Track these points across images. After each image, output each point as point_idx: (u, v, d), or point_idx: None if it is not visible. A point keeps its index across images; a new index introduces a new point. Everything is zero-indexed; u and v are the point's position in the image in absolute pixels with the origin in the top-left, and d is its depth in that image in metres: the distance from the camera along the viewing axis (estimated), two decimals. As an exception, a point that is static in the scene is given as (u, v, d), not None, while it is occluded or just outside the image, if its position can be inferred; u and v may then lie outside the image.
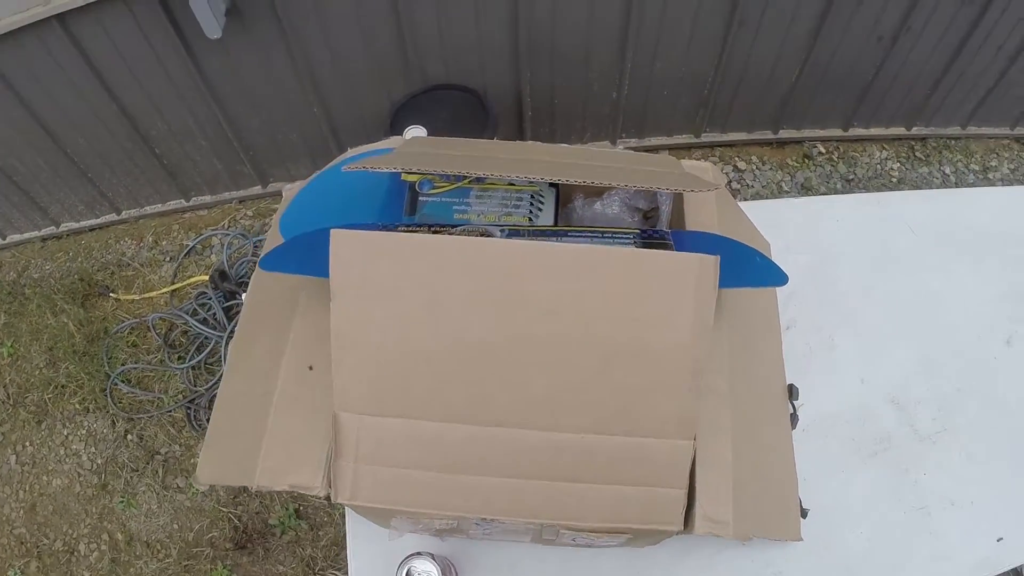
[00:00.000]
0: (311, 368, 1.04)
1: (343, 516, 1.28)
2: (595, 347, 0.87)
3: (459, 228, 1.08)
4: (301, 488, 0.94)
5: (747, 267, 1.07)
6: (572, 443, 0.89)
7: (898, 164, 3.16)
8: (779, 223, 1.41)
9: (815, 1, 2.50)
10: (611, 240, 1.04)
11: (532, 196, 1.19)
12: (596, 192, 1.24)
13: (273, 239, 1.22)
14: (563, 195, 1.24)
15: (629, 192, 1.23)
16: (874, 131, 3.16)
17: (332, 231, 0.87)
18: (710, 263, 0.84)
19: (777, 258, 1.28)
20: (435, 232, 1.05)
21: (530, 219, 1.18)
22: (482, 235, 1.04)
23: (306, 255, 1.02)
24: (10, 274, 3.34)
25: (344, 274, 0.88)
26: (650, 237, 1.05)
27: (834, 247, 1.52)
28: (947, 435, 1.33)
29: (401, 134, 2.34)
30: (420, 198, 1.20)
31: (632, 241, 1.04)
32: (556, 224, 1.19)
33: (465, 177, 1.21)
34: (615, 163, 1.14)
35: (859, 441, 1.32)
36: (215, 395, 2.59)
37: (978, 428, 1.34)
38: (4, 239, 3.42)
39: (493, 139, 2.42)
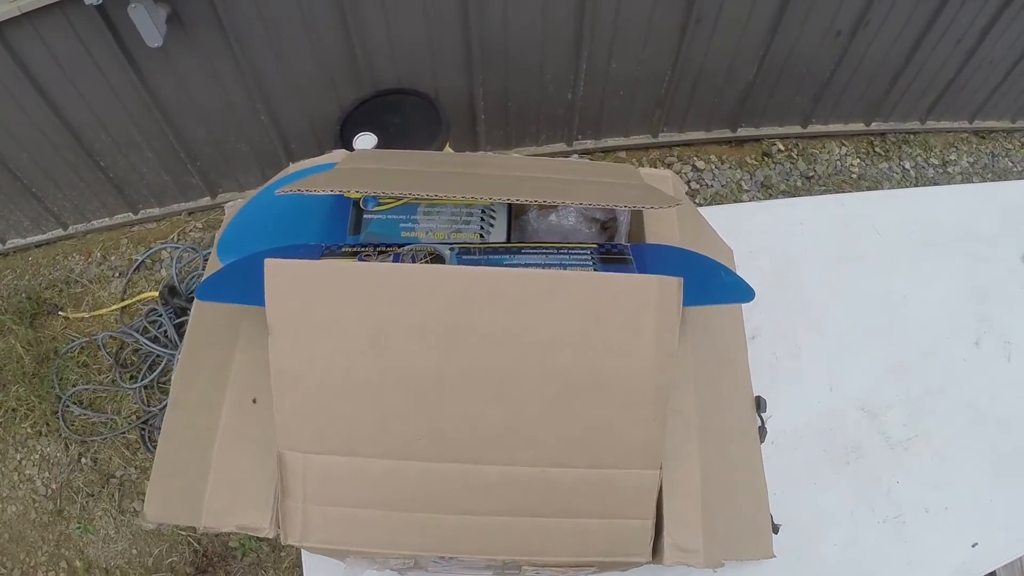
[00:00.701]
0: (255, 401, 0.98)
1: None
2: (553, 377, 0.83)
3: (407, 248, 1.03)
4: (249, 530, 0.89)
5: (712, 283, 1.03)
6: (532, 477, 0.85)
7: (858, 160, 3.17)
8: (740, 228, 1.39)
9: (771, -6, 2.47)
10: (567, 256, 1.00)
11: (483, 211, 1.14)
12: (552, 203, 1.19)
13: (212, 264, 1.17)
14: (517, 207, 1.19)
15: (585, 203, 1.18)
16: (833, 127, 3.17)
17: (266, 261, 0.81)
18: (672, 285, 0.80)
19: (740, 265, 1.26)
20: (381, 252, 1.01)
21: (481, 236, 1.13)
22: (431, 255, 1.00)
23: (245, 282, 0.96)
24: (-44, 293, 3.25)
25: (281, 307, 0.83)
26: (608, 252, 1.01)
27: (798, 251, 1.49)
28: (918, 440, 1.31)
29: (351, 142, 2.31)
30: (365, 216, 1.14)
31: (589, 256, 1.00)
32: (509, 240, 1.14)
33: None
34: (570, 175, 1.09)
35: (830, 451, 1.29)
36: (168, 417, 2.53)
37: (950, 432, 1.32)
38: (-52, 257, 3.33)
39: (446, 144, 2.38)
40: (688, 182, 3.01)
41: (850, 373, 1.36)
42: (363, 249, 1.04)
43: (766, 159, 3.09)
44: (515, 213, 1.19)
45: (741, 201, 2.97)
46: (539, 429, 0.84)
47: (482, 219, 1.14)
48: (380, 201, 1.15)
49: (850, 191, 3.04)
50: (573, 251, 1.01)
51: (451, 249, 1.03)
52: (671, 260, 1.03)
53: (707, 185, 3.02)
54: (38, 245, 3.26)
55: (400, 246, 1.05)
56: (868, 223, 1.54)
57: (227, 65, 2.47)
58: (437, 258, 1.01)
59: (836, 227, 1.53)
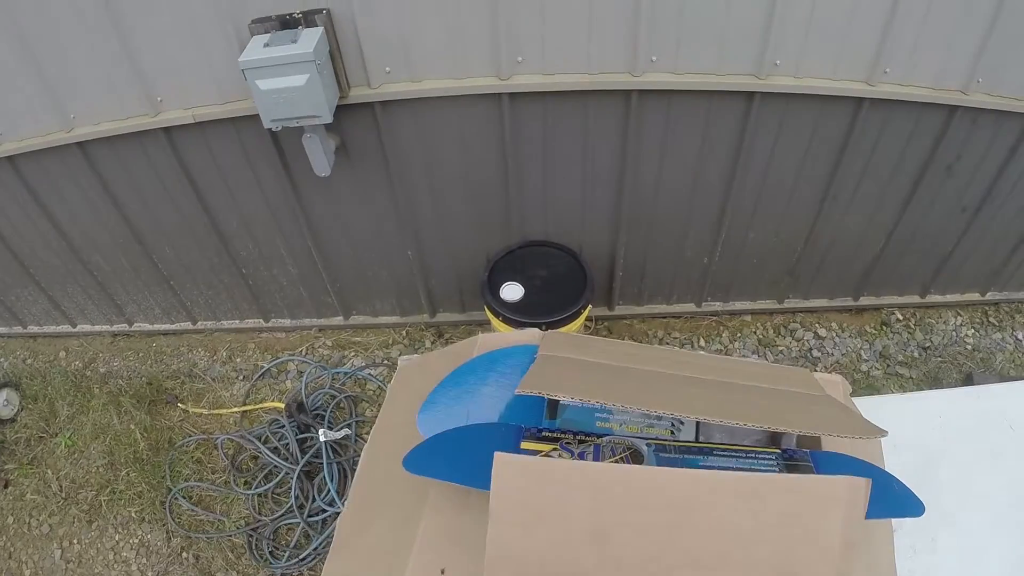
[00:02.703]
0: (443, 572, 1.03)
1: None
2: (753, 567, 0.89)
3: (605, 439, 1.10)
4: None
5: (886, 495, 1.06)
6: None
7: (972, 330, 3.14)
8: (881, 419, 1.39)
9: (907, 174, 2.53)
10: (755, 460, 1.07)
11: None
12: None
13: (394, 405, 1.23)
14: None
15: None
16: (950, 297, 3.17)
17: (496, 455, 0.89)
18: (860, 487, 0.87)
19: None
20: (581, 441, 1.09)
21: (672, 432, 1.18)
22: (629, 449, 1.07)
23: (451, 458, 1.05)
24: (76, 363, 3.37)
25: (505, 502, 0.89)
26: (791, 459, 1.07)
27: (936, 444, 1.49)
28: None
29: (498, 288, 2.39)
30: (561, 403, 1.20)
31: (775, 461, 1.06)
32: (698, 440, 1.19)
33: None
34: (758, 382, 1.17)
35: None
36: (279, 527, 2.55)
37: None
38: (74, 327, 3.48)
39: (589, 304, 2.45)
40: (810, 350, 3.04)
41: (983, 568, 1.34)
42: (563, 436, 1.11)
43: (884, 328, 3.08)
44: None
45: (860, 370, 2.98)
46: None
47: (673, 418, 1.19)
48: (576, 389, 1.21)
49: (966, 363, 3.01)
50: (760, 456, 1.08)
51: (648, 445, 1.09)
52: (848, 471, 1.05)
53: (828, 353, 3.03)
54: (164, 333, 3.37)
55: (598, 436, 1.11)
56: (1001, 417, 1.53)
57: (384, 198, 2.58)
58: (636, 454, 1.07)
59: (971, 421, 1.53)
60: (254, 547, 2.72)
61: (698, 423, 1.20)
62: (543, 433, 1.12)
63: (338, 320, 3.23)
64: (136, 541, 2.83)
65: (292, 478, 2.70)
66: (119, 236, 2.87)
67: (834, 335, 3.07)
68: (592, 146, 2.39)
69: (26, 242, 3.00)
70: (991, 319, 3.21)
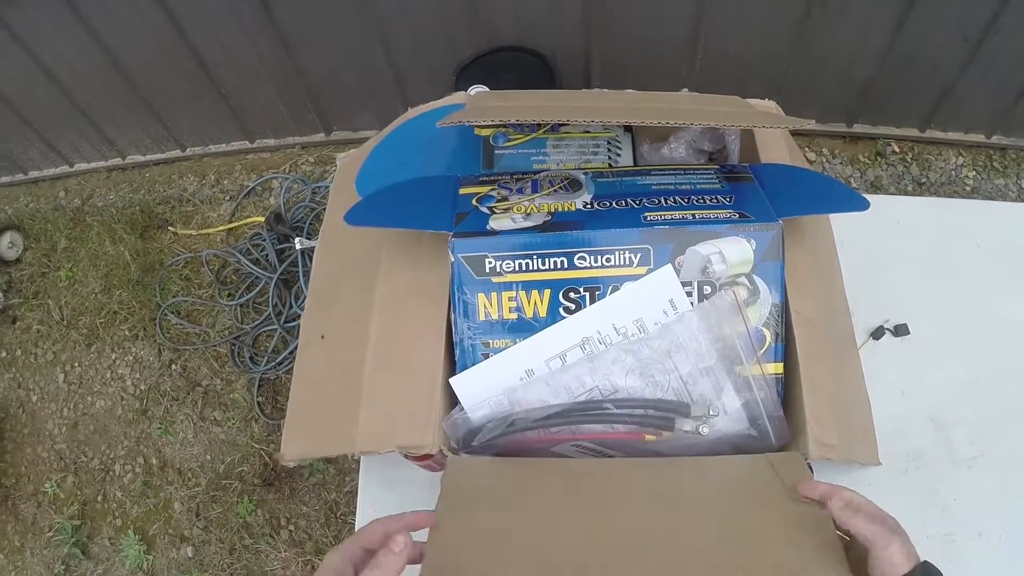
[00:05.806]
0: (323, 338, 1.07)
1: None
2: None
3: (543, 174, 1.10)
4: (410, 447, 0.92)
5: (828, 194, 1.08)
6: None
7: (974, 172, 3.02)
8: (835, 217, 1.35)
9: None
10: (695, 176, 1.07)
11: (609, 142, 1.22)
12: (662, 136, 1.24)
13: (339, 200, 1.25)
14: (635, 139, 1.27)
15: (695, 134, 1.23)
16: (952, 135, 3.02)
17: (449, 459, 0.91)
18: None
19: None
20: (518, 179, 1.09)
21: (610, 164, 1.20)
22: (567, 180, 1.08)
23: (390, 209, 1.05)
24: (75, 201, 3.43)
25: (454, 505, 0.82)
26: (731, 172, 1.08)
27: (891, 249, 1.43)
28: (984, 461, 1.23)
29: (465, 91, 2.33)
30: (496, 151, 1.21)
31: (715, 175, 1.07)
32: (636, 164, 1.21)
33: (540, 127, 1.22)
34: (687, 104, 1.16)
35: (891, 455, 1.21)
36: (259, 334, 2.62)
37: (1018, 458, 1.24)
38: (71, 167, 3.51)
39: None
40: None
41: (926, 381, 1.29)
42: (500, 177, 1.11)
43: (879, 159, 2.99)
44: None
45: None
46: None
47: (609, 148, 1.21)
48: (510, 137, 1.22)
49: (962, 204, 2.92)
50: (699, 172, 1.08)
51: (585, 174, 1.09)
52: (786, 176, 1.08)
53: (814, 178, 2.94)
54: (156, 163, 3.41)
55: (535, 173, 1.11)
56: (969, 233, 1.46)
57: (349, 5, 2.50)
58: (574, 182, 1.07)
59: (935, 232, 1.46)
60: (236, 355, 2.81)
61: (635, 152, 1.22)
62: (480, 178, 1.12)
63: (320, 137, 3.21)
64: (131, 358, 2.95)
65: (270, 286, 2.76)
66: (102, 71, 2.84)
67: (824, 161, 2.99)
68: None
69: (15, 87, 3.00)
70: (995, 164, 3.06)
